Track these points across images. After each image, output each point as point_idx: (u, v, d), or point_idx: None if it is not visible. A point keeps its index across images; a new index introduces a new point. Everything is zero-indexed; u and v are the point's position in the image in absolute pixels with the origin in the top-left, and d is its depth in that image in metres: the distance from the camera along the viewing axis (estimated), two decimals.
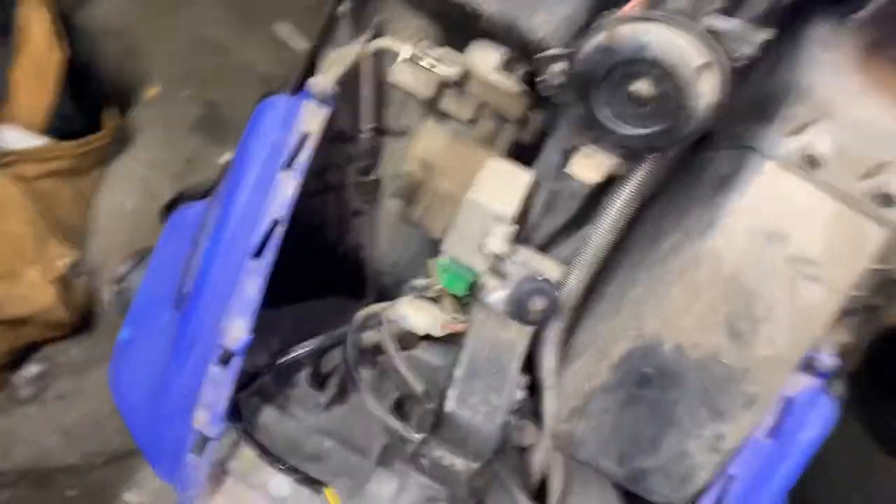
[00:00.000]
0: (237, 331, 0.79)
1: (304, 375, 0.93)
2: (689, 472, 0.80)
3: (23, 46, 1.86)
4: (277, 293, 0.98)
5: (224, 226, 0.82)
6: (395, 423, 0.84)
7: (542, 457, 0.92)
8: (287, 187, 0.80)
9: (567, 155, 0.78)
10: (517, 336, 0.74)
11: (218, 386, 0.79)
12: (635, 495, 0.92)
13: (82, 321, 1.94)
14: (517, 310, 0.70)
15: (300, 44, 2.43)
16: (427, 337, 0.90)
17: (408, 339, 0.90)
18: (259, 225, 0.79)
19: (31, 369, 1.86)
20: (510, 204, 0.73)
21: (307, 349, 0.92)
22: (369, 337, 0.92)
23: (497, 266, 0.71)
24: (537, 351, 0.82)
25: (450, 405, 0.72)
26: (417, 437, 0.81)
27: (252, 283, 0.79)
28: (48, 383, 1.86)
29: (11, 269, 1.78)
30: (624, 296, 0.80)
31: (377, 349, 0.93)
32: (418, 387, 0.84)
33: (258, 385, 0.90)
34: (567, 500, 0.98)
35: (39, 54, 1.91)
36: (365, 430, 0.93)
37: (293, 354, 0.92)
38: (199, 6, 2.44)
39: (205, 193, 0.94)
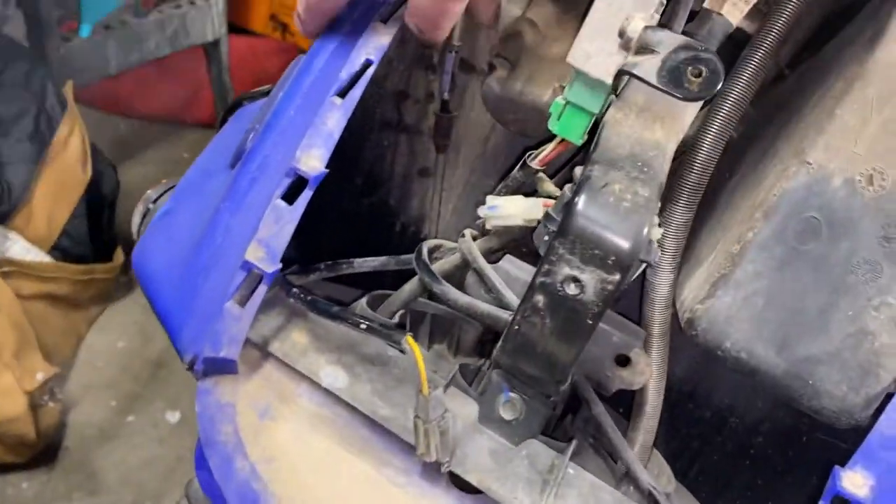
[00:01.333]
0: (313, 160, 0.65)
1: (363, 303, 0.76)
2: (872, 360, 0.62)
3: (53, 159, 1.84)
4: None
5: (307, 72, 0.73)
6: (485, 307, 0.66)
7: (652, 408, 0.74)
8: (382, 35, 0.73)
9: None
10: (664, 138, 0.61)
11: (281, 220, 0.64)
12: None
13: (44, 453, 1.68)
14: (673, 78, 0.58)
15: None
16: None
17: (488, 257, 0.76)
18: (349, 65, 0.70)
19: None
20: None
21: (372, 266, 0.77)
22: (440, 266, 0.77)
23: (645, 38, 0.60)
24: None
25: (580, 206, 0.56)
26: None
27: (334, 118, 0.68)
28: None
29: None
30: (760, 167, 0.69)
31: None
32: (510, 297, 0.69)
33: (313, 278, 0.73)
34: None
35: (66, 170, 1.89)
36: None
37: (355, 264, 0.76)
38: None
39: (267, 94, 0.85)
